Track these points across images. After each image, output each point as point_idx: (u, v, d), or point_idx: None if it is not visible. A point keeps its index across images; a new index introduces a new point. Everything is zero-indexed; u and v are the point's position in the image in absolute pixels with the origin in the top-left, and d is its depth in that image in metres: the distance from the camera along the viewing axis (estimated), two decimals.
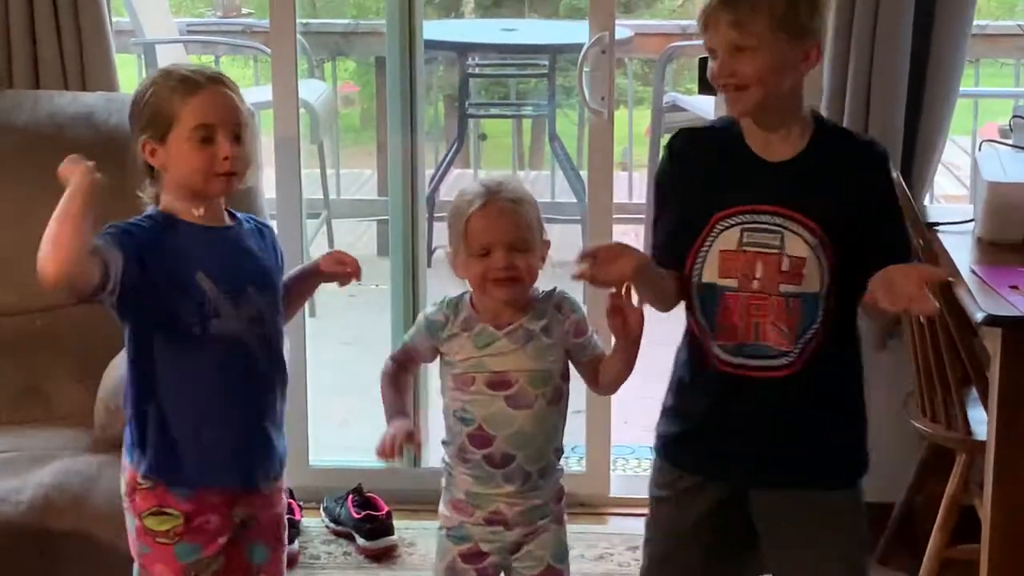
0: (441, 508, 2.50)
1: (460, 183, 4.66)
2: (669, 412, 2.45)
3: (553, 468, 2.47)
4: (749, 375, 2.31)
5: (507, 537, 2.45)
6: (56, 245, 2.11)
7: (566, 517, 2.53)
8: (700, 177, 2.34)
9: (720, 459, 2.38)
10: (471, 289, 2.43)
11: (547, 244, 2.43)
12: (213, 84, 2.32)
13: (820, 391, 2.32)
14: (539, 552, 2.47)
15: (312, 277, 2.56)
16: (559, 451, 2.49)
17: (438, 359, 2.47)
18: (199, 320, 2.31)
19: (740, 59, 2.23)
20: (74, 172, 2.15)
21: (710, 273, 2.31)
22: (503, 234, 2.35)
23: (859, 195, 2.28)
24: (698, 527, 2.42)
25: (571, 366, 2.47)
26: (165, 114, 2.30)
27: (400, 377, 2.50)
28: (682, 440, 2.42)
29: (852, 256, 2.27)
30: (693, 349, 2.37)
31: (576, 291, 2.52)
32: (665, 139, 5.87)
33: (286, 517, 2.55)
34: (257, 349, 2.37)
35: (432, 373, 2.71)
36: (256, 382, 2.40)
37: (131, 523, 2.40)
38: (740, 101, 2.27)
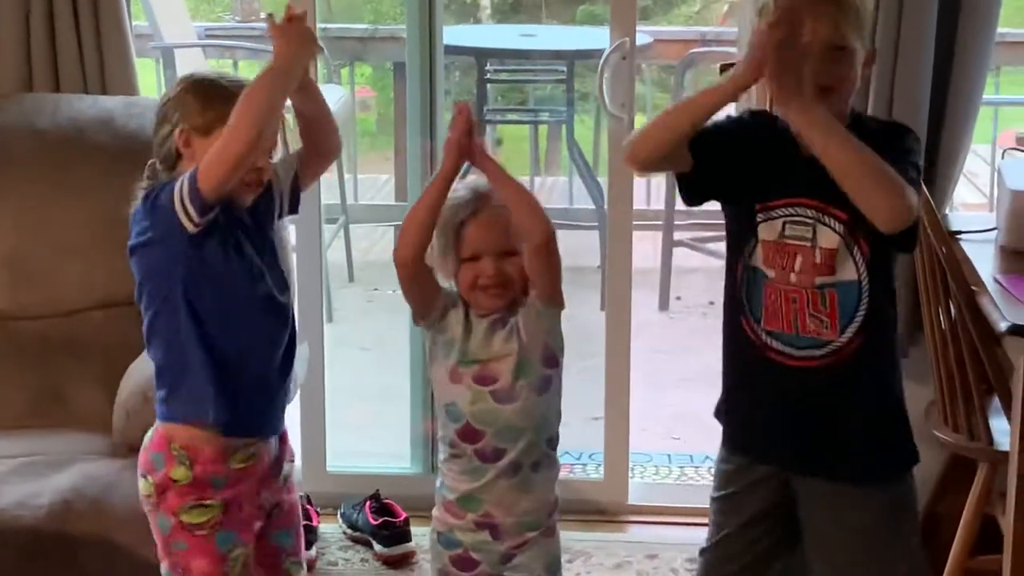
0: (434, 510, 2.49)
1: None
2: (725, 392, 2.46)
3: (547, 463, 2.44)
4: (789, 364, 2.31)
5: (497, 548, 2.43)
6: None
7: (559, 529, 2.50)
8: (753, 159, 2.30)
9: (765, 442, 2.39)
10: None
11: None
12: None
13: (860, 382, 2.31)
14: (531, 564, 2.45)
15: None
16: (552, 440, 2.45)
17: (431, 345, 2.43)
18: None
19: (835, 60, 2.18)
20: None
21: (755, 258, 2.31)
22: (495, 242, 2.35)
23: None
24: (751, 509, 2.43)
25: (556, 354, 2.41)
26: (222, 113, 2.25)
27: None
28: (732, 420, 2.45)
29: (885, 245, 2.26)
30: (736, 328, 2.36)
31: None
32: None
33: (303, 522, 2.58)
34: None
35: None
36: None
37: (163, 523, 2.38)
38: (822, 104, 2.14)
